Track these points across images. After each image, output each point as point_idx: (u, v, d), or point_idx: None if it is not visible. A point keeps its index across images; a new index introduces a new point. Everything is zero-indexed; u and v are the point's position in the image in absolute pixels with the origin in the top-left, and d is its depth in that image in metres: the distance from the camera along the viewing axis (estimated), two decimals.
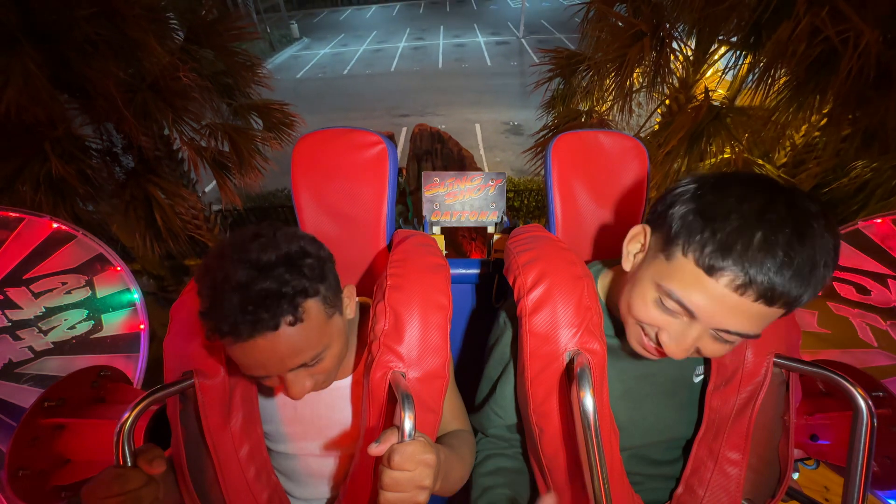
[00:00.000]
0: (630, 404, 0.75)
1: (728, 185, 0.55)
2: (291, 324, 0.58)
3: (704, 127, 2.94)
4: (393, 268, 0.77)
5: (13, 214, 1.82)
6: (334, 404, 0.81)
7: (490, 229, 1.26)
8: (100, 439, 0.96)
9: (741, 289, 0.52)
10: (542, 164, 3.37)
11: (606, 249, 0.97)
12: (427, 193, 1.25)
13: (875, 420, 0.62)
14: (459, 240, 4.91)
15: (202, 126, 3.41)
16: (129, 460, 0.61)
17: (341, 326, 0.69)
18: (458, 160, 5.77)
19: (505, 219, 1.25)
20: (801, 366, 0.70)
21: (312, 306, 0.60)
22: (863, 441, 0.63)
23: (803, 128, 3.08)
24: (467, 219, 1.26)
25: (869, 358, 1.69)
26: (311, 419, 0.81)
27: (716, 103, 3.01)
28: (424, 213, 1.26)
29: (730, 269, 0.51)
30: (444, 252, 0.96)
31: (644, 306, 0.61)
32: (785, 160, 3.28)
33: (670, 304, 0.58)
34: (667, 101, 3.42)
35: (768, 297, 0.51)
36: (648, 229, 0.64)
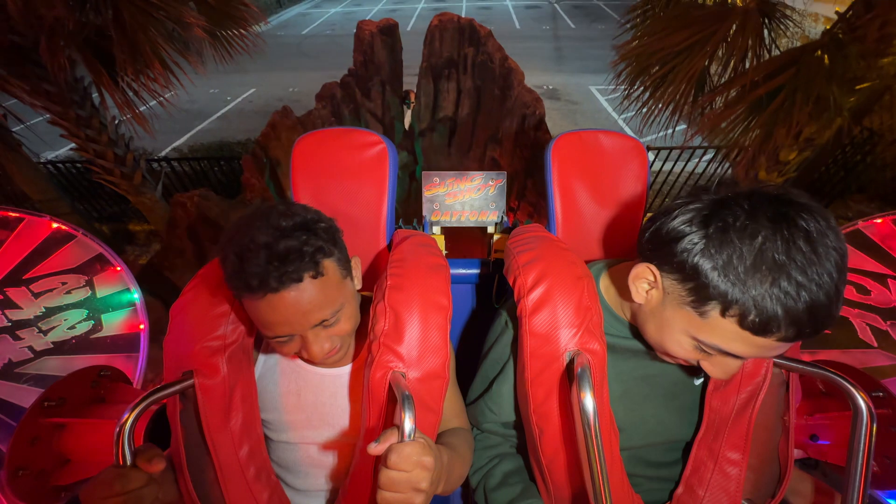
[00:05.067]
0: (629, 405, 0.75)
1: (735, 222, 0.54)
2: (314, 277, 0.64)
3: None
4: (393, 268, 0.77)
5: (13, 214, 1.82)
6: (336, 392, 0.82)
7: (490, 229, 1.27)
8: (100, 439, 0.96)
9: (791, 339, 0.54)
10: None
11: (607, 249, 0.97)
12: (427, 193, 1.25)
13: (875, 420, 0.62)
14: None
15: None
16: (129, 460, 0.61)
17: (353, 291, 0.74)
18: (500, 77, 3.73)
19: (505, 219, 1.25)
20: (801, 366, 0.70)
21: (329, 265, 0.67)
22: (863, 441, 0.63)
23: None
24: (467, 219, 1.26)
25: (869, 358, 1.69)
26: (315, 406, 0.82)
27: None
28: (424, 213, 1.26)
29: (779, 330, 0.53)
30: (445, 252, 0.96)
31: (682, 350, 0.63)
32: None
33: (711, 350, 0.60)
34: None
35: (815, 335, 0.54)
36: (657, 271, 0.62)
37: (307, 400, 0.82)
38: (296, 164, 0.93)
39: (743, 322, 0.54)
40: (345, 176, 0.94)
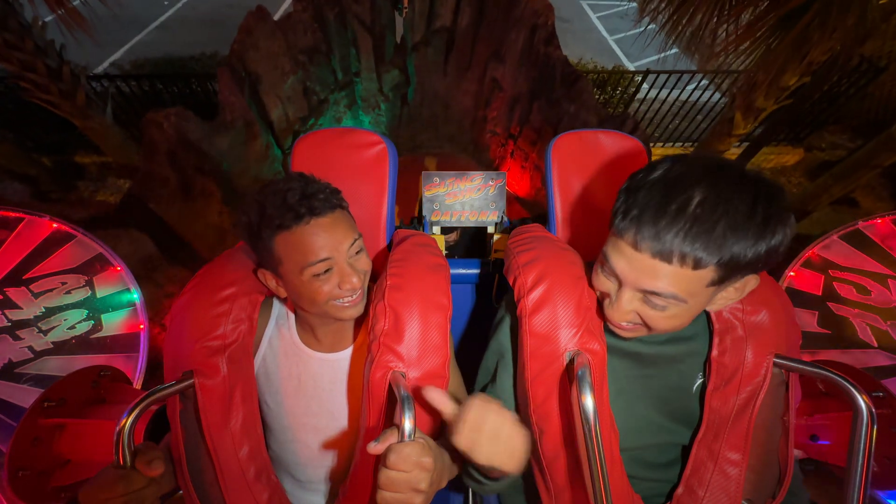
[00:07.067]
0: (623, 405, 0.75)
1: (662, 163, 0.60)
2: (343, 208, 0.76)
3: None
4: (393, 268, 0.77)
5: (13, 214, 1.82)
6: (336, 378, 0.83)
7: (490, 229, 1.27)
8: (100, 439, 0.96)
9: (637, 245, 0.58)
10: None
11: None
12: (427, 193, 1.25)
13: (875, 420, 0.62)
14: None
15: None
16: (129, 461, 0.61)
17: None
18: None
19: (505, 219, 1.25)
20: (801, 366, 0.70)
21: (346, 206, 0.78)
22: (863, 441, 0.63)
23: None
24: (467, 219, 1.26)
25: (869, 358, 1.69)
26: (314, 392, 0.82)
27: None
28: (424, 213, 1.26)
29: (628, 229, 0.58)
30: (444, 252, 0.96)
31: (595, 275, 0.69)
32: None
33: (606, 268, 0.65)
34: None
35: (660, 252, 0.56)
36: None
37: (307, 386, 0.82)
38: (295, 163, 0.93)
39: (614, 225, 0.62)
40: (345, 176, 0.94)
